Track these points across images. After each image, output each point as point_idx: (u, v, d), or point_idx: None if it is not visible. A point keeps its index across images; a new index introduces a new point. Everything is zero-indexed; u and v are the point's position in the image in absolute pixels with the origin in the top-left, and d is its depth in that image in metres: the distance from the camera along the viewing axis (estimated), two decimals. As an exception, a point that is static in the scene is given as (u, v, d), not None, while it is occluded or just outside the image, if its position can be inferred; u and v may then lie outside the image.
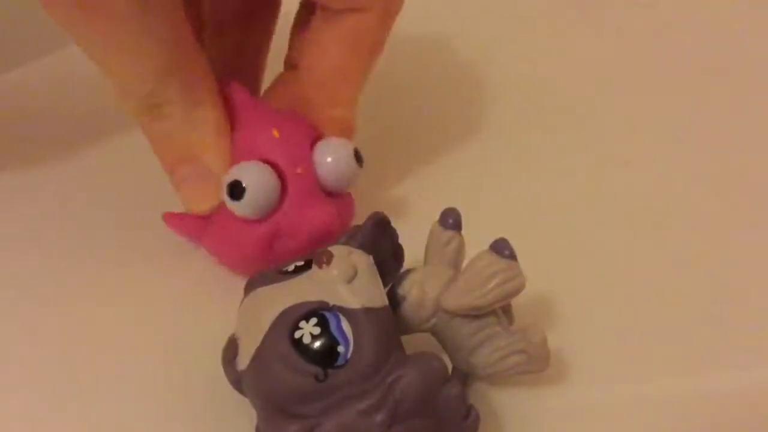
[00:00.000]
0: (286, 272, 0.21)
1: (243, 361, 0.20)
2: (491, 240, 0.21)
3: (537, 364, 0.21)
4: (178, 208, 0.26)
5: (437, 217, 0.22)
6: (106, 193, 0.30)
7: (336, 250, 0.20)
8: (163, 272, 0.26)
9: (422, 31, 0.38)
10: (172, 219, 0.26)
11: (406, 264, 0.22)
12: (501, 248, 0.20)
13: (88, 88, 0.34)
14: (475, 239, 0.21)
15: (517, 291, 0.20)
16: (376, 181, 0.29)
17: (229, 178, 0.23)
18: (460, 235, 0.22)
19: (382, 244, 0.22)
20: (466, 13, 0.41)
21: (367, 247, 0.21)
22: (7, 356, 0.24)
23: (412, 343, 0.21)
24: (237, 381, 0.20)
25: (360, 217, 0.22)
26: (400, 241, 0.23)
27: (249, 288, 0.21)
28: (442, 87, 0.36)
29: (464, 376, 0.21)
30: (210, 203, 0.25)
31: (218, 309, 0.23)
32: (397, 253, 0.23)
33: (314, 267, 0.20)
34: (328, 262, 0.20)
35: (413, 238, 0.22)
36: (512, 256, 0.20)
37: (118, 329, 0.24)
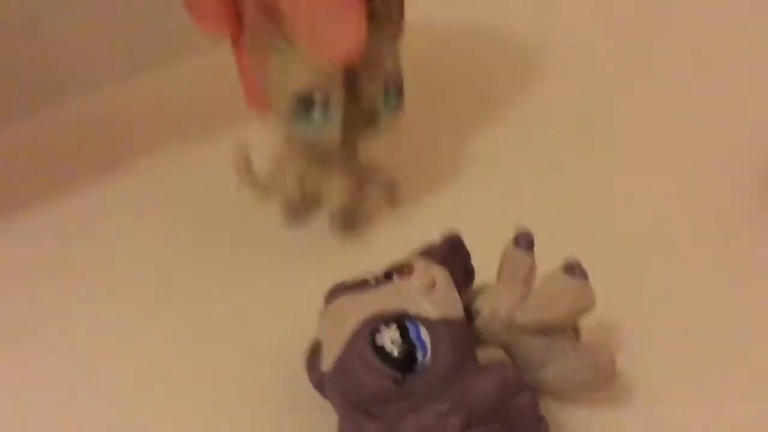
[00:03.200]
0: (367, 283, 0.23)
1: (326, 364, 0.22)
2: (562, 260, 0.23)
3: (604, 381, 0.22)
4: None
5: (509, 237, 0.24)
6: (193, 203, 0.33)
7: (417, 263, 0.22)
8: (246, 281, 0.29)
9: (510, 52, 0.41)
10: None
11: (477, 282, 0.24)
12: (572, 268, 0.22)
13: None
14: (547, 259, 0.23)
15: (587, 310, 0.22)
16: (449, 201, 0.32)
17: None
18: (532, 255, 0.24)
19: (455, 262, 0.24)
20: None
21: (442, 263, 0.23)
22: (100, 352, 0.27)
23: (484, 357, 0.22)
24: (319, 382, 0.22)
25: (435, 235, 0.24)
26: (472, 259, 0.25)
27: (331, 296, 0.23)
28: (512, 111, 0.39)
29: (532, 390, 0.22)
30: (361, 42, 0.26)
31: (299, 315, 0.25)
32: (469, 270, 0.25)
33: (396, 278, 0.22)
34: (410, 274, 0.22)
35: (485, 256, 0.24)
36: (583, 276, 0.22)
37: (203, 333, 0.27)
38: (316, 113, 0.27)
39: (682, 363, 0.25)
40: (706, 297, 0.27)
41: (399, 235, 0.31)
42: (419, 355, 0.21)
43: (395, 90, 0.29)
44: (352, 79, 0.28)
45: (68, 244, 0.31)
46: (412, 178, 0.32)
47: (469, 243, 0.25)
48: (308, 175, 0.31)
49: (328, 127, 0.28)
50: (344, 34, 0.26)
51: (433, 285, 0.22)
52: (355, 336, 0.21)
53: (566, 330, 0.23)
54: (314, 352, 0.23)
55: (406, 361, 0.21)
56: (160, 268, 0.30)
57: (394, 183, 0.31)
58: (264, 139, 0.31)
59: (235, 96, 0.35)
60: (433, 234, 0.24)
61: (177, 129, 0.38)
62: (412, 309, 0.21)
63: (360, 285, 0.23)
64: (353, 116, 0.28)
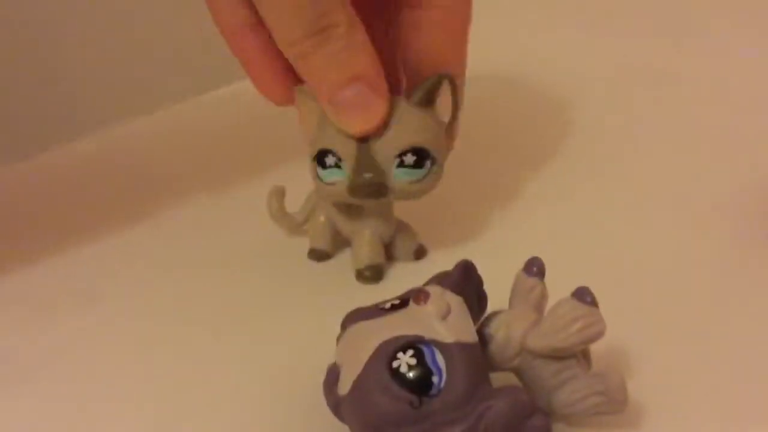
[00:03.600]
0: (384, 309, 0.24)
1: (344, 387, 0.22)
2: (572, 287, 0.23)
3: (615, 406, 0.23)
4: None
5: (521, 264, 0.25)
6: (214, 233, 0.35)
7: (431, 290, 0.23)
8: (263, 307, 0.30)
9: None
10: None
11: (490, 307, 0.25)
12: (583, 295, 0.23)
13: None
14: (557, 287, 0.24)
15: (598, 336, 0.23)
16: (460, 228, 0.33)
17: None
18: (543, 282, 0.24)
19: (468, 288, 0.24)
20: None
21: (456, 289, 0.24)
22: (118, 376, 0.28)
23: (497, 381, 0.23)
24: (336, 406, 0.23)
25: (449, 264, 0.25)
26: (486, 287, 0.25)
27: (347, 322, 0.24)
28: (519, 137, 0.40)
29: (544, 414, 0.23)
30: (379, 121, 0.28)
31: (316, 341, 0.26)
32: (481, 297, 0.25)
33: (411, 304, 0.23)
34: (425, 300, 0.23)
35: (496, 283, 0.25)
36: (594, 303, 0.23)
37: (221, 359, 0.28)
38: (329, 170, 0.29)
39: (692, 390, 0.25)
40: (718, 324, 0.28)
41: (415, 266, 0.32)
42: (435, 379, 0.21)
43: (414, 162, 0.28)
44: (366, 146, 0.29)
45: (93, 278, 0.33)
46: (422, 210, 0.32)
47: (481, 271, 0.25)
48: (339, 228, 0.32)
49: (337, 185, 0.29)
50: (366, 115, 0.28)
51: (447, 311, 0.23)
52: (372, 360, 0.22)
53: (577, 355, 0.23)
54: (332, 376, 0.23)
55: (422, 385, 0.21)
56: (176, 300, 0.31)
57: (422, 246, 0.33)
58: (296, 178, 0.33)
59: (262, 130, 0.37)
60: (447, 265, 0.25)
61: (199, 162, 0.40)
62: (428, 334, 0.22)
63: (376, 311, 0.24)
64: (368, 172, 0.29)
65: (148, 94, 0.44)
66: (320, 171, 0.29)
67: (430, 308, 0.23)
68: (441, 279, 0.24)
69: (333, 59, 0.27)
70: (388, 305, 0.24)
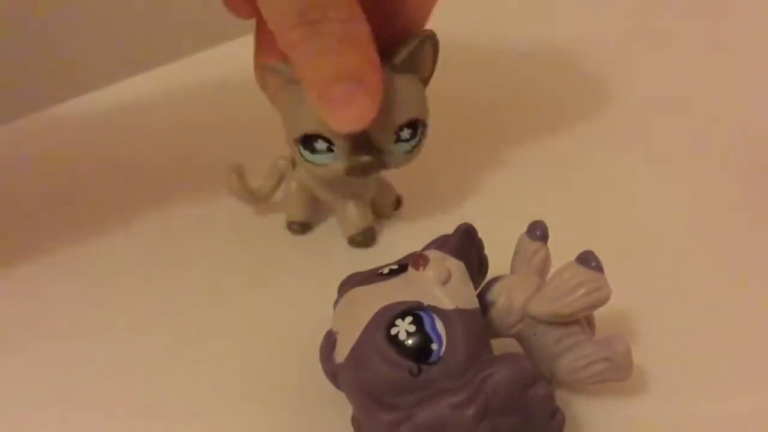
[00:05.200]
0: (381, 274, 0.23)
1: (341, 355, 0.22)
2: (575, 252, 0.23)
3: (620, 372, 0.23)
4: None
5: (523, 228, 0.25)
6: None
7: (431, 254, 0.23)
8: (258, 278, 0.30)
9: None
10: None
11: (491, 273, 0.25)
12: (588, 260, 0.23)
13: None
14: (561, 251, 0.24)
15: (603, 301, 0.23)
16: (463, 193, 0.33)
17: None
18: (546, 246, 0.24)
19: (469, 253, 0.24)
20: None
21: (456, 254, 0.23)
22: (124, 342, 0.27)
23: (499, 348, 0.23)
24: (333, 374, 0.23)
25: (449, 228, 0.25)
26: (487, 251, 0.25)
27: (344, 288, 0.24)
28: (522, 100, 0.40)
29: (547, 381, 0.23)
30: (368, 121, 0.27)
31: (312, 307, 0.26)
32: (483, 262, 0.25)
33: (410, 269, 0.23)
34: (425, 265, 0.22)
35: (497, 248, 0.25)
36: (598, 268, 0.23)
37: (218, 328, 0.28)
38: (319, 153, 0.28)
39: (697, 354, 0.25)
40: (724, 289, 0.28)
41: (412, 230, 0.32)
42: (434, 347, 0.21)
43: (410, 134, 0.28)
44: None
45: (81, 249, 0.32)
46: (421, 175, 0.32)
47: (481, 235, 0.25)
48: (317, 195, 0.31)
49: (330, 166, 0.28)
50: (355, 114, 0.27)
51: (448, 276, 0.22)
52: (370, 327, 0.22)
53: (581, 321, 0.23)
54: (328, 343, 0.23)
55: (422, 353, 0.21)
56: (168, 276, 0.31)
57: (400, 198, 0.33)
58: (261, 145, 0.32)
59: (226, 98, 0.36)
60: (445, 230, 0.25)
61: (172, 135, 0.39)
62: (427, 300, 0.22)
63: (374, 276, 0.23)
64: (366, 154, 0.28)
65: (109, 64, 0.43)
66: (309, 155, 0.28)
67: (430, 273, 0.22)
68: (441, 243, 0.24)
69: (326, 53, 0.26)
70: (386, 270, 0.23)
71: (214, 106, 0.41)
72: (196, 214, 0.33)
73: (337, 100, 0.26)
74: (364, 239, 0.31)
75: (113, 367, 0.27)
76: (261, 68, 0.29)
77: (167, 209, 0.34)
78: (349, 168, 0.28)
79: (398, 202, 0.33)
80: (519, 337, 0.23)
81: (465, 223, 0.25)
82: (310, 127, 0.28)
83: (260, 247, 0.31)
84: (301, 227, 0.32)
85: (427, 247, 0.24)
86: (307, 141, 0.28)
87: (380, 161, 0.28)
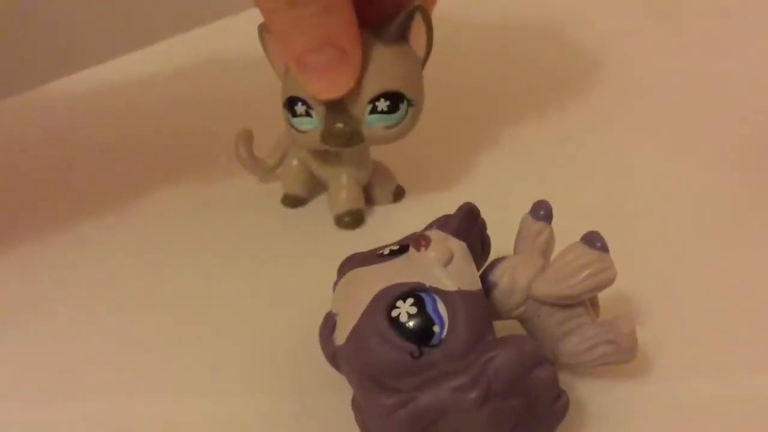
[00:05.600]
0: (382, 255, 0.23)
1: (341, 337, 0.22)
2: (579, 233, 0.23)
3: (624, 355, 0.23)
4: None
5: (526, 209, 0.24)
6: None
7: (433, 234, 0.23)
8: (258, 258, 0.30)
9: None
10: None
11: (493, 254, 0.25)
12: (593, 240, 0.22)
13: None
14: (564, 232, 0.24)
15: (608, 283, 0.22)
16: (464, 173, 0.33)
17: None
18: (550, 226, 0.24)
19: (472, 233, 0.24)
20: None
21: (459, 234, 0.23)
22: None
23: (501, 331, 0.22)
24: (333, 356, 0.23)
25: (451, 208, 0.24)
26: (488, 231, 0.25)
27: (344, 268, 0.24)
28: (524, 79, 0.39)
29: (551, 364, 0.22)
30: (346, 89, 0.27)
31: (312, 288, 0.25)
32: (485, 242, 0.25)
33: (411, 250, 0.22)
34: (426, 246, 0.22)
35: (500, 228, 0.24)
36: (604, 248, 0.22)
37: (214, 309, 0.27)
38: (299, 117, 0.29)
39: (700, 337, 0.25)
40: (730, 271, 0.28)
41: (412, 210, 0.32)
42: (436, 329, 0.21)
43: (388, 107, 0.28)
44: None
45: (75, 232, 0.32)
46: (420, 157, 0.32)
47: (484, 218, 0.25)
48: (314, 172, 0.32)
49: (310, 133, 0.28)
50: (332, 82, 0.27)
51: (450, 257, 0.22)
52: (371, 308, 0.21)
53: (585, 303, 0.23)
54: (328, 325, 0.23)
55: (423, 335, 0.21)
56: (166, 257, 0.30)
57: (400, 187, 0.32)
58: (268, 120, 0.32)
59: (230, 72, 0.35)
60: (447, 210, 0.24)
61: (169, 107, 0.38)
62: (429, 281, 0.22)
63: (374, 256, 0.23)
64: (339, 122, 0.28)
65: (103, 41, 0.42)
66: (291, 118, 0.29)
67: (432, 254, 0.22)
68: (442, 223, 0.24)
69: (304, 21, 0.26)
70: (386, 251, 0.23)
71: (214, 84, 0.40)
72: (193, 194, 0.33)
73: (313, 67, 0.27)
74: (352, 221, 0.31)
75: (109, 349, 0.26)
76: (259, 30, 0.29)
77: (163, 189, 0.33)
78: (324, 134, 0.28)
79: (399, 193, 0.32)
80: (522, 319, 0.23)
81: (467, 203, 0.24)
82: (292, 90, 0.28)
83: (258, 227, 0.31)
84: (294, 201, 0.32)
85: (429, 227, 0.24)
86: (291, 104, 0.28)
87: (356, 132, 0.28)
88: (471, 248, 0.23)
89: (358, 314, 0.22)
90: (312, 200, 0.33)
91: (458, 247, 0.22)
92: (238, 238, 0.31)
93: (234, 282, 0.29)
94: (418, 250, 0.22)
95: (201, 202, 0.33)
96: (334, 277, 0.24)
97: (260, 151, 0.33)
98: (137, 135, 0.37)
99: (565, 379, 0.23)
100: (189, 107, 0.39)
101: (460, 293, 0.21)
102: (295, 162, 0.32)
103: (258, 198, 0.33)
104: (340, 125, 0.28)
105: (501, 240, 0.25)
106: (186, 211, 0.32)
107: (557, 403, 0.21)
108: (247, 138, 0.32)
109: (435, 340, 0.21)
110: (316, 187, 0.32)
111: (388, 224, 0.31)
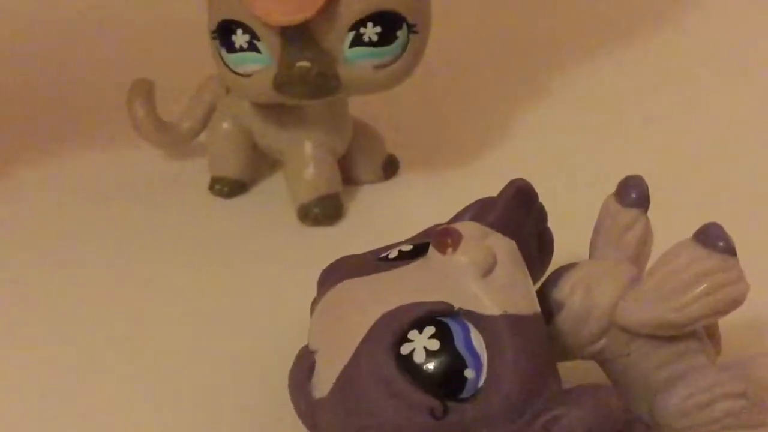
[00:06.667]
0: (386, 259, 0.19)
1: (322, 386, 0.17)
2: (693, 226, 0.18)
3: (758, 416, 0.18)
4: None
5: (593, 186, 0.20)
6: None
7: (466, 228, 0.18)
8: (226, 275, 0.24)
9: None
10: None
11: (557, 260, 0.20)
12: (713, 238, 0.18)
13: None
14: (668, 224, 0.19)
15: (736, 303, 0.18)
16: (485, 136, 0.28)
17: None
18: (646, 215, 0.19)
19: (523, 225, 0.19)
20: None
21: (504, 229, 0.18)
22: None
23: (570, 376, 0.18)
24: (309, 413, 0.18)
25: (471, 189, 0.19)
26: (550, 223, 0.20)
27: (327, 281, 0.19)
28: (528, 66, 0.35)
29: (646, 427, 0.19)
30: (313, 6, 0.21)
31: (273, 307, 0.20)
32: (545, 239, 0.20)
33: (432, 251, 0.18)
34: (455, 246, 0.17)
35: (562, 219, 0.20)
36: (728, 250, 0.18)
37: (179, 337, 0.22)
38: (239, 52, 0.22)
39: None
40: None
41: (410, 192, 0.26)
42: (469, 373, 0.16)
43: (377, 35, 0.22)
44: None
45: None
46: (419, 111, 0.27)
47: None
48: (258, 141, 0.25)
49: (256, 76, 0.22)
50: (290, 5, 0.21)
51: (491, 263, 0.17)
52: (369, 342, 0.17)
53: (699, 334, 0.18)
54: (303, 368, 0.18)
55: (450, 383, 0.16)
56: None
57: (392, 157, 0.27)
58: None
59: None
60: (467, 191, 0.20)
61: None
62: (458, 300, 0.17)
63: (374, 263, 0.19)
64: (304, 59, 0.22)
65: None
66: (225, 54, 0.22)
67: (463, 259, 0.17)
68: (480, 211, 0.19)
69: None
70: (393, 253, 0.19)
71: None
72: (100, 172, 0.27)
73: None
74: (323, 213, 0.24)
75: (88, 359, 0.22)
76: None
77: (68, 161, 0.27)
78: (277, 78, 0.22)
79: (391, 165, 0.26)
80: (603, 359, 0.19)
81: (517, 180, 0.19)
82: (228, 11, 0.22)
83: (177, 228, 0.25)
84: (230, 188, 0.26)
85: (458, 217, 0.19)
86: (225, 32, 0.22)
87: (330, 75, 0.22)
88: (522, 249, 0.18)
89: (349, 352, 0.17)
90: (257, 184, 0.26)
91: (503, 247, 0.17)
92: (161, 229, 0.25)
93: (167, 290, 0.23)
94: (443, 252, 0.17)
95: (117, 180, 0.26)
96: (303, 295, 0.19)
97: (168, 112, 0.26)
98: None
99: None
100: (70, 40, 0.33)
101: (507, 318, 0.17)
102: (226, 125, 0.25)
103: (174, 184, 0.26)
104: (304, 63, 0.22)
105: (565, 237, 0.20)
106: (98, 192, 0.26)
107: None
108: (144, 91, 0.25)
109: (468, 391, 0.16)
110: (263, 164, 0.26)
111: (378, 214, 0.25)
